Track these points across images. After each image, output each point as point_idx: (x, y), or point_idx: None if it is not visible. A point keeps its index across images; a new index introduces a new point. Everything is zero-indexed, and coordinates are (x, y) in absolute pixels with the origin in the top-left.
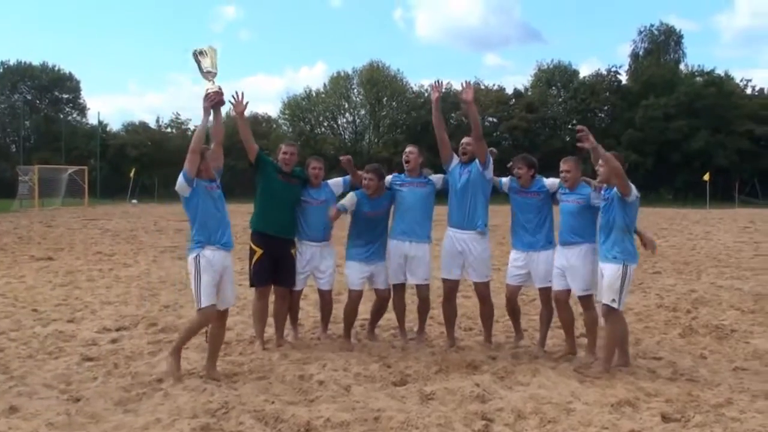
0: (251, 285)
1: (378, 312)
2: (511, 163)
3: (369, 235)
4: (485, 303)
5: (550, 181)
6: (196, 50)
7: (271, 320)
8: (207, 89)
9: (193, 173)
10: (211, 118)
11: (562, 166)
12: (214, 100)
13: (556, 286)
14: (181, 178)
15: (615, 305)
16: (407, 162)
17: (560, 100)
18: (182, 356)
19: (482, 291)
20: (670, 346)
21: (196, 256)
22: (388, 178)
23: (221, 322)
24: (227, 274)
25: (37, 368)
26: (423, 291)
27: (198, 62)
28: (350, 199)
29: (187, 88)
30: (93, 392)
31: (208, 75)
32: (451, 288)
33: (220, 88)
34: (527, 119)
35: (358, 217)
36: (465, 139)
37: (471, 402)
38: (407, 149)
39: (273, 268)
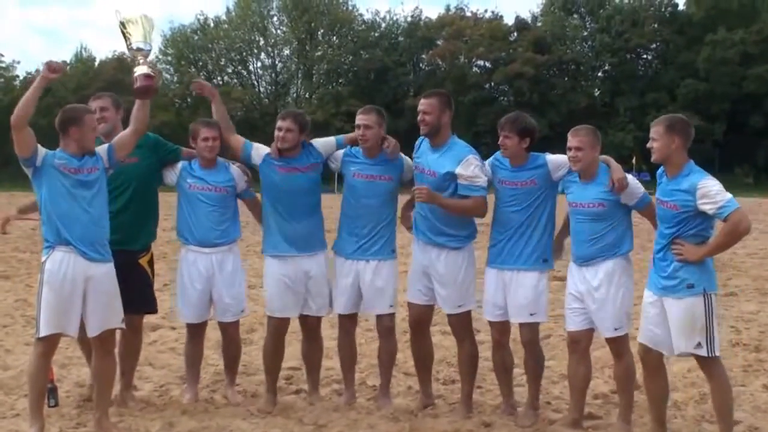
0: None
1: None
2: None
3: (284, 210)
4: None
5: (556, 159)
6: (123, 18)
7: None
8: (134, 72)
9: (22, 153)
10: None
11: (571, 140)
12: (140, 88)
13: (572, 324)
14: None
15: (703, 352)
16: (363, 138)
17: (585, 34)
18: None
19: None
20: (751, 404)
21: (44, 262)
22: (339, 152)
23: (100, 354)
24: (94, 289)
25: None
26: (385, 321)
27: (125, 34)
28: (258, 150)
29: (13, 15)
30: None
31: (138, 53)
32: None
33: (152, 70)
34: (536, 63)
35: (268, 186)
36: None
37: None
38: (359, 117)
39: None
